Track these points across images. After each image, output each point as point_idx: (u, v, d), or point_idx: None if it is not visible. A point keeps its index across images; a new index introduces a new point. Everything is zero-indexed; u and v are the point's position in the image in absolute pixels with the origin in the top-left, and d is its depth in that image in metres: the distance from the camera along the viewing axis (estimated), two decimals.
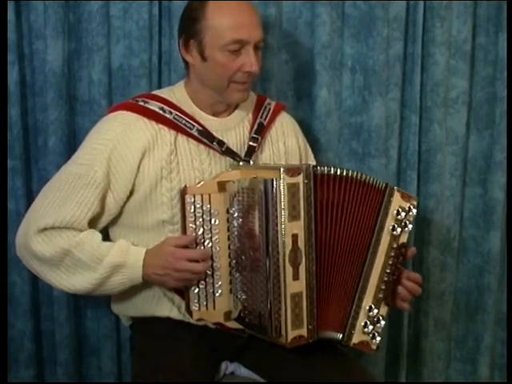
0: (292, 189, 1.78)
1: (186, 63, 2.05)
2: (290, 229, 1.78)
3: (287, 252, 1.78)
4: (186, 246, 1.89)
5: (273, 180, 1.76)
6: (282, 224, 1.77)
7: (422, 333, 2.75)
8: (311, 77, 2.50)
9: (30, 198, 2.40)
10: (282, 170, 1.77)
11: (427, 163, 2.62)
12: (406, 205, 1.95)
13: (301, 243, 1.80)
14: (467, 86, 2.59)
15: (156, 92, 2.12)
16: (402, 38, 2.53)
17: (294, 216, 1.78)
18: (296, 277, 1.80)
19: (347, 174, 1.89)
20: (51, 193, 1.95)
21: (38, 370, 2.56)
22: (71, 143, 2.42)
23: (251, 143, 2.06)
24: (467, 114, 2.62)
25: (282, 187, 1.76)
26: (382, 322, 1.94)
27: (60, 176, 1.98)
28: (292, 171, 1.78)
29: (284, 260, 1.78)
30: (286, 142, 2.18)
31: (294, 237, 1.79)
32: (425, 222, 2.64)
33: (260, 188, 1.79)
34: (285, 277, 1.78)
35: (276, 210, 1.77)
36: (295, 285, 1.80)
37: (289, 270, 1.78)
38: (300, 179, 1.79)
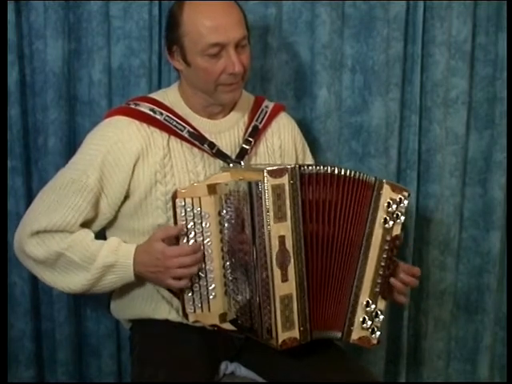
0: (277, 190, 1.76)
1: (176, 68, 2.04)
2: (277, 230, 1.76)
3: (274, 254, 1.76)
4: (176, 237, 1.87)
5: (257, 182, 1.75)
6: (267, 226, 1.75)
7: (421, 332, 2.75)
8: (311, 77, 2.50)
9: (29, 198, 2.40)
10: (265, 171, 1.75)
11: (427, 163, 2.61)
12: (397, 196, 1.92)
13: (288, 244, 1.78)
14: (467, 85, 2.58)
15: (150, 94, 2.11)
16: (402, 38, 2.52)
17: (280, 217, 1.76)
18: (285, 279, 1.78)
19: (336, 172, 1.87)
20: (46, 196, 1.97)
21: (38, 370, 2.58)
22: (71, 143, 2.44)
23: (244, 145, 2.05)
24: (467, 114, 2.61)
25: (266, 189, 1.74)
26: (381, 317, 1.93)
27: (56, 180, 1.99)
28: (276, 172, 1.76)
29: (271, 262, 1.76)
30: (281, 144, 2.17)
31: (281, 238, 1.77)
32: (424, 222, 2.64)
33: (245, 190, 1.78)
34: (273, 279, 1.77)
35: (261, 211, 1.75)
36: (284, 287, 1.79)
37: (277, 272, 1.77)
38: (285, 180, 1.78)
